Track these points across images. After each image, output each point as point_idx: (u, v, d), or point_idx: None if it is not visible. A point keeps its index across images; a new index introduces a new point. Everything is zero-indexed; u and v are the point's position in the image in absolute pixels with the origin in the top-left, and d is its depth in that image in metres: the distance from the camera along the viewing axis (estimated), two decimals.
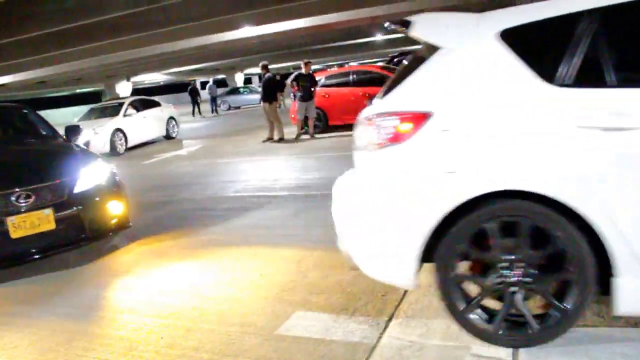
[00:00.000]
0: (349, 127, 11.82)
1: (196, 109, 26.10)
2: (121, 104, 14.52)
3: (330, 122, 12.79)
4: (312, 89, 12.03)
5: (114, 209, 4.92)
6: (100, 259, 4.92)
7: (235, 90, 33.10)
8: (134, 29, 10.26)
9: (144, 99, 16.31)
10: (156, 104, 16.09)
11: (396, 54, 18.75)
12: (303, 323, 3.06)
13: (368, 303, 3.22)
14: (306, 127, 12.69)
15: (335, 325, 3.00)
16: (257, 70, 39.83)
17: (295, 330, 3.00)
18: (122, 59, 16.55)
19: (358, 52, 32.25)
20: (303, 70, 12.01)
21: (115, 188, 5.07)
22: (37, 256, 4.46)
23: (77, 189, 4.64)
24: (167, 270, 4.36)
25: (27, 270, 4.63)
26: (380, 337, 2.81)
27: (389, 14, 12.80)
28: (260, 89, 12.95)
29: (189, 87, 26.90)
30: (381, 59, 36.59)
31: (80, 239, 4.67)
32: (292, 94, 14.24)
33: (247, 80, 43.30)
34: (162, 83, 45.08)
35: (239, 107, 30.89)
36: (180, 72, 31.45)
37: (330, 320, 3.06)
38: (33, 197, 4.38)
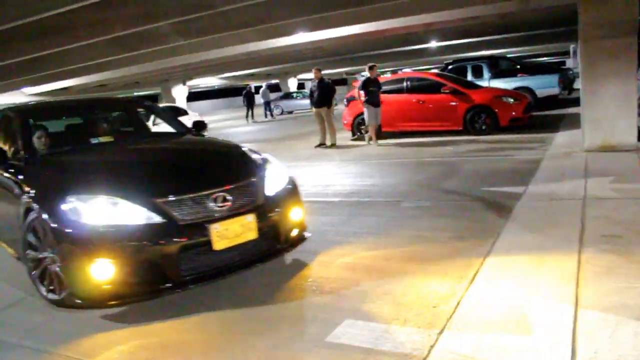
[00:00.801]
0: (401, 134, 11.78)
1: (250, 113, 26.27)
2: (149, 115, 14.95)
3: (383, 129, 12.70)
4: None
5: (297, 215, 4.28)
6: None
7: (288, 95, 33.48)
8: (190, 34, 10.47)
9: (173, 106, 17.52)
10: (184, 113, 17.24)
11: (451, 61, 18.48)
12: (353, 331, 3.02)
13: (419, 314, 3.16)
14: (359, 134, 12.71)
15: (385, 335, 2.95)
16: (310, 75, 40.16)
17: (344, 338, 2.96)
18: (179, 64, 16.93)
19: (412, 59, 31.93)
20: (369, 75, 11.68)
21: (297, 190, 4.47)
22: (235, 271, 3.82)
23: (268, 191, 4.09)
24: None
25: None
26: (431, 349, 2.74)
27: (443, 21, 12.65)
28: (311, 94, 12.52)
29: (244, 92, 27.28)
30: (434, 66, 36.21)
31: (276, 250, 4.07)
32: (345, 100, 14.25)
33: (300, 86, 43.60)
34: (216, 87, 45.91)
35: (291, 112, 31.31)
36: (234, 76, 31.93)
37: (380, 329, 3.01)
38: (231, 200, 3.75)
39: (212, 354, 3.02)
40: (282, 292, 3.79)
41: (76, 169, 4.17)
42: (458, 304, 3.22)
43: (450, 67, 16.80)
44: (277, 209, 4.02)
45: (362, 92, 11.59)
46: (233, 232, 3.64)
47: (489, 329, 2.87)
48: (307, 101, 32.37)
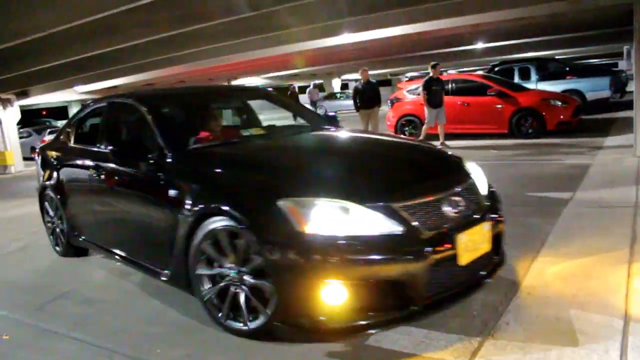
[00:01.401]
0: (446, 136, 11.62)
1: None
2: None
3: (428, 130, 12.60)
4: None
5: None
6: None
7: (332, 96, 33.59)
8: (235, 35, 10.61)
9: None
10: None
11: (497, 62, 18.16)
12: (393, 336, 3.00)
13: (461, 321, 3.12)
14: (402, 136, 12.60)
15: (426, 341, 2.93)
16: (354, 76, 40.15)
17: (384, 342, 2.95)
18: (224, 63, 17.17)
19: (457, 60, 31.52)
20: (431, 74, 11.20)
21: (498, 194, 3.80)
22: (473, 290, 3.27)
23: (484, 192, 3.53)
24: None
25: None
26: (472, 358, 2.71)
27: (490, 22, 12.46)
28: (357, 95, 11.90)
29: (289, 92, 27.23)
30: (480, 68, 35.64)
31: (496, 263, 3.44)
32: (389, 101, 14.14)
33: (344, 86, 43.63)
34: (261, 87, 46.40)
35: (335, 112, 31.33)
36: (278, 76, 32.16)
37: (421, 335, 2.98)
38: (464, 205, 3.20)
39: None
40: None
41: (268, 166, 3.52)
42: (502, 312, 3.17)
43: (496, 69, 16.51)
44: (499, 217, 3.44)
45: (425, 92, 11.06)
46: (474, 243, 3.10)
47: (533, 339, 2.81)
48: (350, 102, 32.47)
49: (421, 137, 10.97)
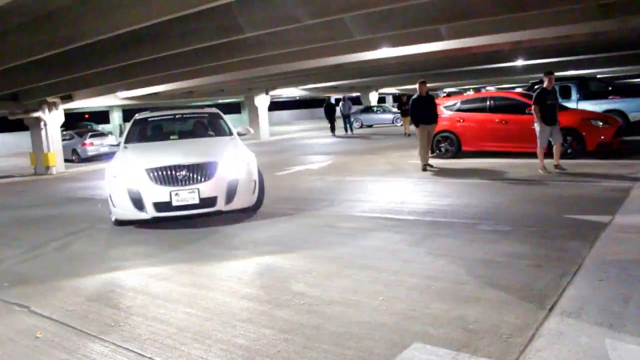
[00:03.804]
0: (482, 154, 11.48)
1: (333, 126, 25.57)
2: None
3: (464, 147, 12.47)
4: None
5: None
6: None
7: (368, 109, 33.57)
8: (275, 46, 10.71)
9: None
10: None
11: (537, 80, 17.88)
12: (421, 356, 2.97)
13: (491, 343, 3.06)
14: (438, 152, 12.48)
15: None
16: (392, 90, 40.03)
17: None
18: (262, 74, 17.35)
19: (496, 77, 31.19)
20: (545, 84, 9.60)
21: None
22: None
23: None
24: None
25: None
26: None
27: (531, 39, 12.28)
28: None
29: (325, 104, 27.12)
30: (519, 85, 35.16)
31: None
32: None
33: (381, 100, 43.58)
34: (297, 97, 46.66)
35: (371, 126, 31.40)
36: (315, 88, 32.31)
37: (449, 357, 2.94)
38: None
39: None
40: (352, 308, 3.78)
41: None
42: (533, 336, 3.10)
43: (536, 86, 16.24)
44: None
45: (537, 107, 9.45)
46: None
47: None
48: (387, 116, 32.45)
49: (540, 164, 9.47)
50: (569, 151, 10.89)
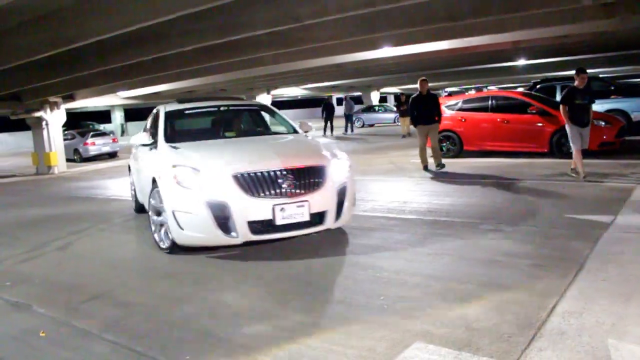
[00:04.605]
0: (483, 154, 11.47)
1: (328, 126, 25.09)
2: None
3: (465, 147, 12.47)
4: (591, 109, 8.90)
5: None
6: None
7: (370, 108, 33.64)
8: (275, 45, 10.72)
9: None
10: None
11: (539, 80, 17.87)
12: (422, 355, 2.97)
13: (492, 343, 3.06)
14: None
15: None
16: (393, 89, 40.09)
17: None
18: (263, 73, 17.38)
19: (498, 77, 31.22)
20: (575, 82, 8.80)
21: None
22: None
23: None
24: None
25: None
26: None
27: (532, 39, 12.29)
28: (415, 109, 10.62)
29: (323, 103, 26.77)
30: (521, 84, 35.16)
31: None
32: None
33: (382, 99, 43.61)
34: (299, 97, 46.68)
35: (372, 125, 31.47)
36: (317, 87, 32.34)
37: (451, 356, 2.93)
38: None
39: None
40: (354, 307, 3.78)
41: None
42: (534, 336, 3.10)
43: (538, 86, 16.23)
44: None
45: (565, 107, 8.74)
46: None
47: None
48: (388, 115, 32.48)
49: (579, 170, 8.57)
50: (570, 151, 10.86)
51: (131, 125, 46.50)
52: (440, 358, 2.92)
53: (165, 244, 5.55)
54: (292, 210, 5.00)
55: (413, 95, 10.84)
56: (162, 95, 23.92)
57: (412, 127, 12.13)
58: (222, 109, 7.41)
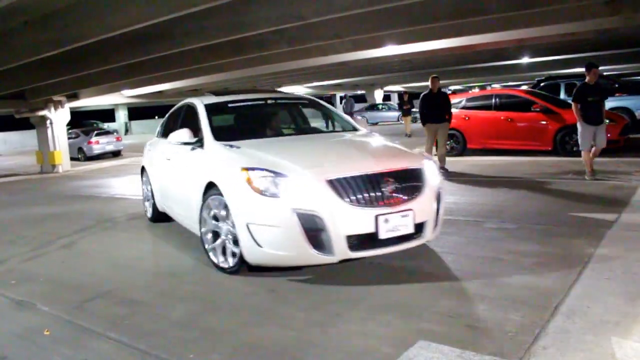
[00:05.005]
0: (487, 152, 11.44)
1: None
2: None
3: (469, 145, 12.46)
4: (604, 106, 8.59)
5: None
6: None
7: (373, 107, 33.68)
8: (279, 44, 10.71)
9: None
10: None
11: (543, 77, 17.82)
12: (426, 354, 2.96)
13: (496, 341, 3.05)
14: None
15: None
16: (397, 87, 40.02)
17: None
18: (267, 72, 17.37)
19: (502, 75, 31.14)
20: (587, 79, 8.50)
21: None
22: None
23: None
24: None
25: None
26: None
27: (536, 37, 12.25)
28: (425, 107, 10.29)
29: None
30: (525, 82, 35.05)
31: None
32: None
33: (386, 97, 43.60)
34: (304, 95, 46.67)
35: (376, 123, 31.51)
36: (321, 86, 32.33)
37: (454, 354, 2.93)
38: None
39: None
40: (354, 307, 3.78)
41: None
42: (538, 334, 3.09)
43: (542, 84, 16.20)
44: None
45: (577, 105, 8.45)
46: None
47: None
48: (391, 113, 32.50)
49: (587, 169, 8.48)
50: (574, 149, 10.85)
51: (135, 124, 46.64)
52: (443, 356, 2.92)
53: (228, 263, 4.65)
54: (396, 220, 4.22)
55: (423, 93, 10.52)
56: (166, 94, 23.95)
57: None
58: (269, 102, 6.47)
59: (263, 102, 6.43)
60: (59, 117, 17.56)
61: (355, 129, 6.09)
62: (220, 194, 4.57)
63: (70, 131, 21.30)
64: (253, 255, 4.34)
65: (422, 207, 4.41)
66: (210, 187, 4.77)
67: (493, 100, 12.46)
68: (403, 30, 9.87)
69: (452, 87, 41.89)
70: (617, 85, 15.95)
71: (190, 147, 5.48)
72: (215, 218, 4.75)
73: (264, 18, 8.36)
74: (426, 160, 4.82)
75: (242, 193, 4.31)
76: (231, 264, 4.61)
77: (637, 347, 2.89)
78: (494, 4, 8.40)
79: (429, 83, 10.43)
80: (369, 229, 4.13)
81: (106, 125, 34.86)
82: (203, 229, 4.93)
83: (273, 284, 4.37)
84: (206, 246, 4.92)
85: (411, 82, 33.18)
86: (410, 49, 12.80)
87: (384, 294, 3.97)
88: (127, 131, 43.05)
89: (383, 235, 4.17)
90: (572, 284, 3.85)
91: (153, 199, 7.02)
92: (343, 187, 4.14)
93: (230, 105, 6.23)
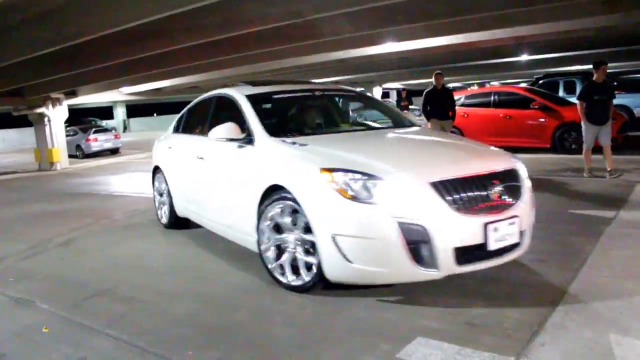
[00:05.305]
0: None
1: None
2: None
3: None
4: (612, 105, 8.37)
5: None
6: None
7: None
8: (279, 41, 10.72)
9: None
10: None
11: (541, 75, 17.84)
12: (424, 350, 2.97)
13: (494, 338, 3.06)
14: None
15: (458, 357, 2.88)
16: (396, 85, 40.02)
17: (415, 357, 2.91)
18: (267, 69, 17.37)
19: (500, 72, 31.13)
20: (595, 76, 8.31)
21: None
22: None
23: None
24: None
25: None
26: None
27: (535, 34, 12.25)
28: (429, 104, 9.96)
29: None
30: (523, 80, 35.07)
31: None
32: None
33: (385, 94, 43.56)
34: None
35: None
36: (320, 83, 32.32)
37: (453, 351, 2.94)
38: None
39: None
40: (352, 304, 3.78)
41: None
42: (536, 332, 3.10)
43: (541, 81, 16.22)
44: None
45: (582, 103, 8.34)
46: None
47: None
48: None
49: (586, 167, 8.47)
50: (573, 146, 10.88)
51: (133, 121, 46.61)
52: (441, 353, 2.93)
53: (303, 280, 3.94)
54: (504, 229, 3.68)
55: (427, 89, 10.30)
56: (164, 91, 23.93)
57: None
58: (316, 93, 5.79)
59: (310, 93, 5.77)
60: (57, 115, 17.55)
61: (413, 124, 5.41)
62: (287, 199, 3.94)
63: (68, 128, 21.29)
64: (338, 272, 3.69)
65: (524, 213, 3.90)
66: (272, 191, 4.11)
67: (492, 98, 12.48)
68: (401, 27, 9.88)
69: (451, 85, 41.94)
70: (615, 84, 15.96)
71: (236, 144, 4.71)
72: (277, 228, 4.12)
73: (263, 15, 8.36)
74: (516, 160, 4.30)
75: (326, 199, 3.64)
76: (306, 280, 3.90)
77: (635, 343, 2.89)
78: (492, 1, 8.41)
79: (432, 79, 10.33)
80: (478, 239, 3.56)
81: (104, 123, 34.82)
82: (264, 246, 4.24)
83: (270, 280, 4.37)
84: (269, 266, 4.20)
85: (410, 80, 33.14)
86: (408, 46, 12.81)
87: (382, 291, 3.97)
88: (125, 129, 43.03)
89: (492, 246, 3.62)
90: (571, 281, 3.86)
91: (171, 203, 6.35)
92: (448, 191, 3.56)
93: (275, 96, 5.51)
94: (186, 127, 6.47)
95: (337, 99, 6.16)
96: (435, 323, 3.32)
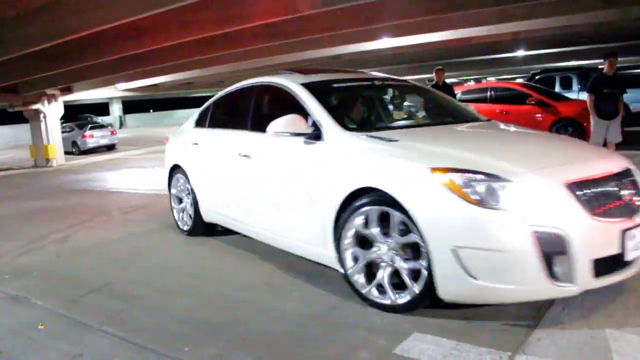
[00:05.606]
0: None
1: None
2: None
3: None
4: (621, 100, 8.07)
5: None
6: None
7: None
8: (273, 37, 10.71)
9: None
10: None
11: (538, 70, 17.85)
12: (421, 346, 2.97)
13: (491, 333, 3.06)
14: None
15: (455, 352, 2.88)
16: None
17: (412, 352, 2.91)
18: (263, 65, 17.35)
19: (497, 68, 31.15)
20: (605, 69, 7.99)
21: None
22: None
23: None
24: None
25: None
26: None
27: (530, 30, 12.26)
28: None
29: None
30: (521, 76, 35.09)
31: None
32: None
33: None
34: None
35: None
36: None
37: (450, 346, 2.94)
38: None
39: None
40: (349, 300, 3.78)
41: None
42: (534, 326, 3.10)
43: (537, 77, 16.23)
44: None
45: (591, 96, 8.05)
46: None
47: (565, 356, 2.75)
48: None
49: None
50: None
51: (129, 118, 46.50)
52: (439, 348, 2.93)
53: (405, 297, 3.39)
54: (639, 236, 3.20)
55: (428, 85, 10.17)
56: (160, 87, 23.89)
57: None
58: (376, 83, 5.19)
59: (370, 83, 5.19)
60: (52, 111, 17.49)
61: (478, 118, 4.83)
62: (378, 203, 3.41)
63: (64, 125, 21.23)
64: (456, 289, 3.17)
65: None
66: (357, 196, 3.53)
67: (488, 93, 12.48)
68: (397, 22, 9.87)
69: (448, 80, 41.94)
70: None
71: (302, 139, 4.05)
72: (362, 239, 3.58)
73: (257, 11, 8.34)
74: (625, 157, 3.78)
75: (444, 205, 3.10)
76: (410, 298, 3.36)
77: (632, 338, 2.90)
78: None
79: (433, 75, 10.37)
80: (616, 248, 3.10)
81: (100, 119, 34.72)
82: (350, 264, 3.64)
83: (268, 276, 4.36)
84: (363, 291, 3.58)
85: (406, 76, 33.11)
86: (404, 42, 12.80)
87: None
88: (121, 125, 42.91)
89: (629, 255, 3.15)
90: None
91: (195, 207, 5.68)
92: (585, 194, 3.09)
93: (335, 85, 4.87)
94: (216, 120, 5.71)
95: (396, 90, 5.45)
96: (431, 318, 3.32)
